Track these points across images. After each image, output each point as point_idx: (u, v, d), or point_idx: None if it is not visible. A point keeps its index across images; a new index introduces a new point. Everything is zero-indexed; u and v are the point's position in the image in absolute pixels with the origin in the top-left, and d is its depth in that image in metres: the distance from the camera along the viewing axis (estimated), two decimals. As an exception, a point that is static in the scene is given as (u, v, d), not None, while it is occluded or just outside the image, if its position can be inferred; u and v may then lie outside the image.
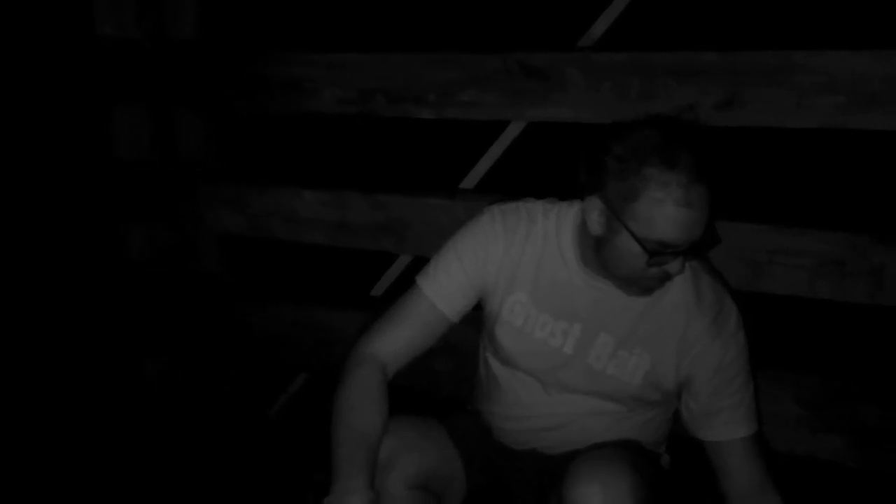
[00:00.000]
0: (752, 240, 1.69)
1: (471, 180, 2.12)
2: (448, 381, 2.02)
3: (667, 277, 1.32)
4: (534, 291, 1.44)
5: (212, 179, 2.32)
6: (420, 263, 1.57)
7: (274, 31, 2.56)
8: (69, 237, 2.67)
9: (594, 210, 1.31)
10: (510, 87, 1.85)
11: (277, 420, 2.52)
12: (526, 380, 1.49)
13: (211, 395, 2.51)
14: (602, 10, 1.91)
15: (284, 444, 2.36)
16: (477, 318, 1.54)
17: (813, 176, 2.50)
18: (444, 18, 2.69)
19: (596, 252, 1.35)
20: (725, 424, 1.41)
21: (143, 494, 2.14)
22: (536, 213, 1.46)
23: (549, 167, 1.76)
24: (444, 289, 1.46)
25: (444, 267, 1.47)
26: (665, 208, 1.22)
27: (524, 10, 2.65)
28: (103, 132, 2.39)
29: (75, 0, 2.33)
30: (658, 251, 1.25)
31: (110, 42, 2.28)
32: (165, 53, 2.24)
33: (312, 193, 2.13)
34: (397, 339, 1.46)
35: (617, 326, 1.41)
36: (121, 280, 2.48)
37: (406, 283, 1.53)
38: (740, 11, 2.44)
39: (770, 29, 2.31)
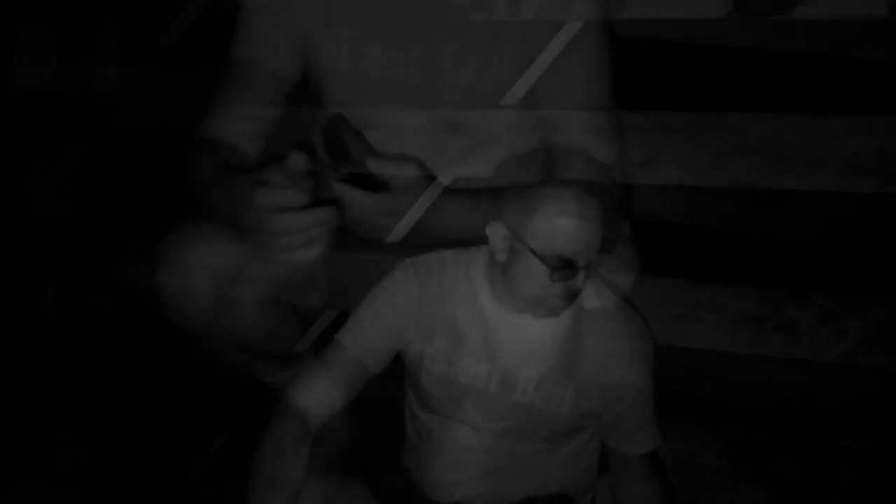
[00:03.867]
0: (671, 295, 1.72)
1: (397, 234, 2.11)
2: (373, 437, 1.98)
3: (572, 295, 1.34)
4: (452, 336, 1.46)
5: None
6: (345, 319, 1.56)
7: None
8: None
9: (497, 235, 1.36)
10: (433, 141, 1.86)
11: (197, 483, 2.43)
12: (454, 426, 1.49)
13: (128, 455, 2.42)
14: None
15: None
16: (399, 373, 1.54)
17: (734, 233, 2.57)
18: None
19: (504, 281, 1.38)
20: (650, 438, 1.48)
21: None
22: (446, 261, 1.50)
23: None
24: (362, 341, 1.48)
25: (362, 320, 1.49)
26: (561, 221, 1.28)
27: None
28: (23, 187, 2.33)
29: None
30: (558, 266, 1.29)
31: (29, 94, 2.24)
32: (85, 104, 2.21)
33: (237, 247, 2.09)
34: (319, 392, 1.46)
35: (537, 360, 1.43)
36: (35, 335, 2.40)
37: (332, 338, 1.52)
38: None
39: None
